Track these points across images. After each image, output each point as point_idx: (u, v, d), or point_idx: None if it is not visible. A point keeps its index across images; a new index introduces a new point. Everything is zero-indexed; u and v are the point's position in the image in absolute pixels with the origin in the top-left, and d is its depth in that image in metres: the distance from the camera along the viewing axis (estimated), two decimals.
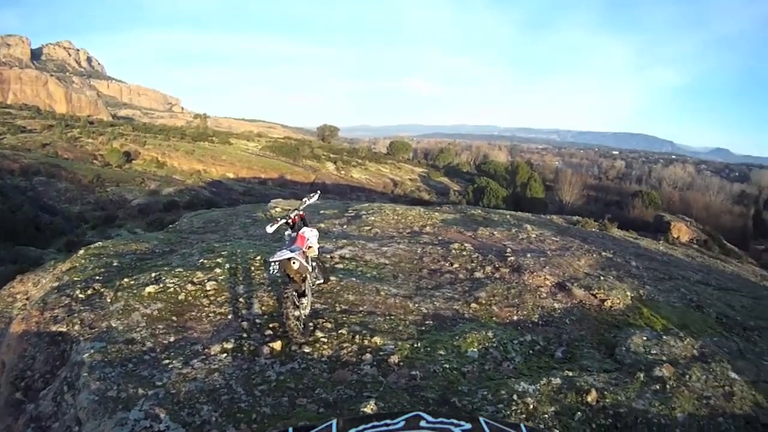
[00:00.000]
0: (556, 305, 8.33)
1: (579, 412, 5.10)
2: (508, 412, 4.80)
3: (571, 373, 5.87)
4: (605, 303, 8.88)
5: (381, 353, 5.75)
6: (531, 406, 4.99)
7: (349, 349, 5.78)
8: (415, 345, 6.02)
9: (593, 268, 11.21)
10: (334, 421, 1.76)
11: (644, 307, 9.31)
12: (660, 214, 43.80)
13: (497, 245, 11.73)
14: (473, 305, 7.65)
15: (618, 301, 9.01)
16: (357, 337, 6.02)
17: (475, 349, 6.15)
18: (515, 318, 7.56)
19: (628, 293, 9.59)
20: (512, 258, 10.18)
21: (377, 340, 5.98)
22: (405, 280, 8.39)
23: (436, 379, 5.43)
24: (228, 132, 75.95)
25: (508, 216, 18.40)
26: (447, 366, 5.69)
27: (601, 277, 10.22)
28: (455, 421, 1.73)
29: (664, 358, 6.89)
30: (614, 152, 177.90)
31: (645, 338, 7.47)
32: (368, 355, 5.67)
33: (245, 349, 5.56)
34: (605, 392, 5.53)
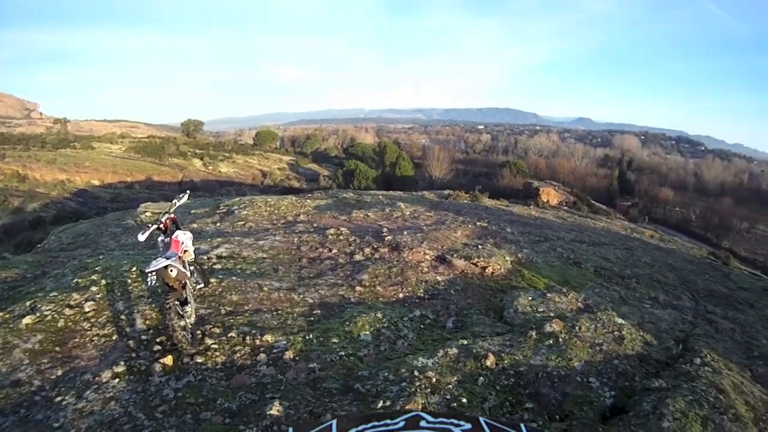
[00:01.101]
0: (439, 278, 8.78)
1: (481, 377, 5.39)
2: (413, 389, 4.96)
3: (465, 342, 6.17)
4: (487, 270, 9.52)
5: (275, 351, 5.76)
6: (434, 380, 5.20)
7: (242, 351, 5.73)
8: (308, 337, 6.10)
9: (470, 238, 11.96)
10: (334, 422, 1.81)
11: (525, 269, 10.10)
12: (528, 181, 47.24)
13: (373, 226, 12.13)
14: (358, 288, 7.88)
15: (499, 267, 9.69)
16: (248, 338, 5.97)
17: (368, 332, 6.36)
18: (401, 295, 7.88)
19: (508, 258, 10.37)
20: (389, 237, 10.57)
21: (268, 337, 5.97)
22: (286, 272, 8.45)
23: (335, 368, 5.53)
24: (90, 136, 70.27)
25: (381, 196, 19.06)
26: (343, 353, 5.81)
27: (479, 246, 10.94)
28: (455, 421, 1.80)
29: (552, 314, 7.50)
30: (480, 127, 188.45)
31: (530, 298, 8.11)
32: (262, 355, 5.65)
33: (136, 369, 5.32)
34: (502, 354, 5.87)
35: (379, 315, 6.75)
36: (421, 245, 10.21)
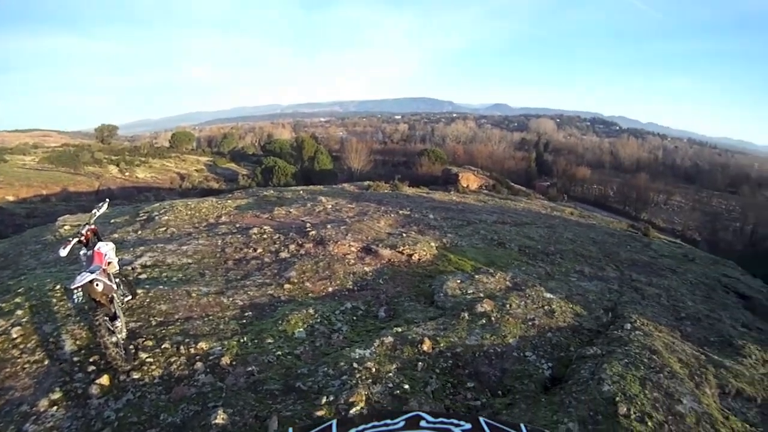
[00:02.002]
0: (366, 269, 8.91)
1: (420, 363, 5.53)
2: (354, 381, 5.04)
3: (400, 329, 6.31)
4: (413, 257, 9.77)
5: (211, 358, 5.69)
6: (373, 370, 5.29)
7: (178, 362, 5.61)
8: (242, 340, 6.07)
9: (394, 227, 12.24)
10: (335, 422, 1.82)
11: (450, 253, 10.42)
12: (447, 167, 48.31)
13: (296, 222, 12.12)
14: (287, 286, 7.89)
15: (425, 253, 9.97)
16: (182, 347, 5.85)
17: (302, 329, 6.39)
18: (331, 289, 7.96)
19: (433, 244, 10.67)
20: (313, 232, 10.63)
21: (203, 345, 5.89)
22: (213, 276, 8.34)
23: (274, 368, 5.51)
24: (2, 147, 65.69)
25: (301, 191, 19.12)
26: (279, 353, 5.81)
27: (404, 234, 11.23)
28: (455, 421, 1.83)
29: (482, 294, 7.81)
30: (397, 117, 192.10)
31: (459, 281, 8.41)
32: (199, 364, 5.55)
33: (73, 394, 5.10)
34: (438, 338, 6.04)
35: (311, 311, 6.79)
36: (346, 237, 10.34)
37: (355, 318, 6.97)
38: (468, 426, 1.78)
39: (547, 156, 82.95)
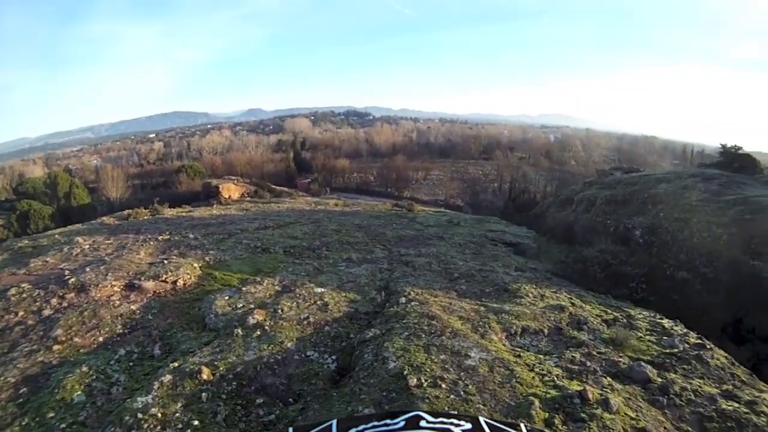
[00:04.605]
0: (133, 307, 8.36)
1: (204, 393, 5.32)
2: None
3: (176, 364, 6.02)
4: (178, 283, 9.42)
5: None
6: (159, 415, 4.98)
7: None
8: (24, 422, 5.36)
9: (155, 256, 11.70)
10: (335, 421, 1.79)
11: (215, 270, 10.26)
12: (207, 181, 47.07)
13: (54, 272, 10.95)
14: (56, 347, 7.11)
15: (189, 276, 9.70)
16: None
17: (80, 392, 5.83)
18: (101, 339, 7.33)
19: (196, 265, 10.42)
20: (73, 279, 9.67)
21: None
22: None
23: None
24: None
25: (57, 235, 17.33)
26: (64, 425, 5.23)
27: (165, 261, 10.78)
28: (455, 421, 1.80)
29: (252, 305, 7.80)
30: (151, 136, 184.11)
31: (227, 297, 8.33)
32: None
33: None
34: (216, 363, 5.86)
35: (85, 368, 6.24)
36: (107, 278, 9.62)
37: (131, 363, 6.54)
38: (468, 426, 1.80)
39: (305, 153, 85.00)
